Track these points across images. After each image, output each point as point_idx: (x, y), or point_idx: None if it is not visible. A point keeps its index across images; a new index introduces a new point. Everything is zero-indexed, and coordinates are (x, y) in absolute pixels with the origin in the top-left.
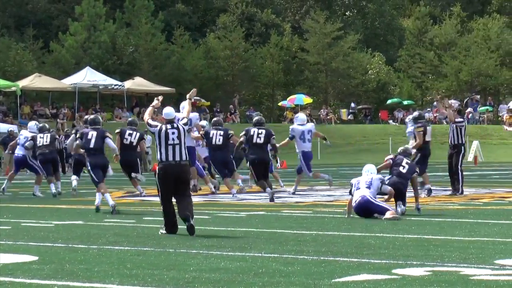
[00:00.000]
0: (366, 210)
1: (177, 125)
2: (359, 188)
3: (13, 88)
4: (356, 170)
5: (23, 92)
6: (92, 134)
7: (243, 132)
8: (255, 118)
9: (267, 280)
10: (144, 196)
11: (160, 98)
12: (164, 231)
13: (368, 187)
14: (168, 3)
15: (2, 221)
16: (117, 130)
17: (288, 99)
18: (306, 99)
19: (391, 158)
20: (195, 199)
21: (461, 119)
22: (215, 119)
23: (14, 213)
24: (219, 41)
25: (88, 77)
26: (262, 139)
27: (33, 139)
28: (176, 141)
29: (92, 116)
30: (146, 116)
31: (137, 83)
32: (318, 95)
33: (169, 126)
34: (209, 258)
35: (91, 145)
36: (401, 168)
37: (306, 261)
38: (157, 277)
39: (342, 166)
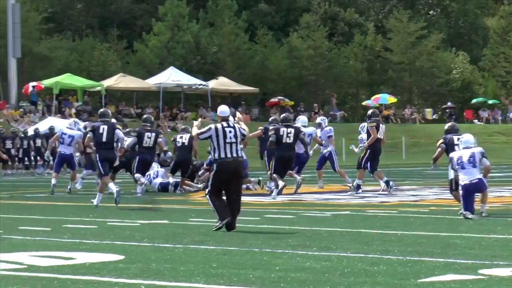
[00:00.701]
0: (479, 190)
1: (233, 124)
2: (464, 168)
3: (98, 88)
4: (442, 170)
5: (107, 92)
6: (104, 128)
7: (272, 132)
8: (282, 115)
9: (352, 280)
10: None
11: (199, 120)
12: (219, 225)
13: (474, 165)
14: (251, 3)
15: (87, 220)
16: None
17: (372, 98)
18: (390, 99)
19: (442, 143)
20: (280, 199)
21: None
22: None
23: (99, 212)
24: (303, 41)
25: (172, 77)
26: (292, 138)
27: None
28: (233, 140)
29: (101, 110)
30: (195, 131)
31: (221, 83)
32: (402, 95)
33: (225, 124)
34: (295, 258)
35: (104, 139)
36: (460, 144)
37: (391, 261)
38: (243, 277)
39: (427, 166)
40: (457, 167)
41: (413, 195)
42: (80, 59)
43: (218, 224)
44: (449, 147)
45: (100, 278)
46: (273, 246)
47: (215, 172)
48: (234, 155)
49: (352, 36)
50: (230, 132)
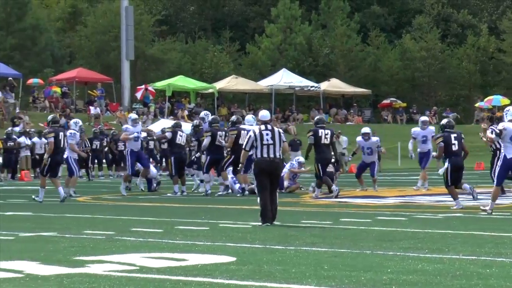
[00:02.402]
0: None
1: (272, 127)
2: None
3: (210, 90)
4: None
5: (220, 94)
6: (181, 135)
7: (311, 133)
8: (316, 117)
9: (465, 283)
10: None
11: None
12: (260, 223)
13: None
14: (363, 5)
15: (200, 222)
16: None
17: (485, 100)
18: (503, 100)
19: (441, 141)
20: (391, 201)
21: None
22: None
23: (211, 214)
24: (415, 42)
25: (284, 78)
26: (329, 139)
27: (174, 134)
28: (270, 142)
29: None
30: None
31: (333, 85)
32: None
33: (263, 127)
34: (406, 260)
35: (183, 143)
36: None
37: (504, 264)
38: (354, 279)
39: None
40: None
41: None
42: (193, 61)
43: (259, 222)
44: (447, 144)
45: (212, 279)
46: (384, 248)
47: (254, 171)
48: (271, 155)
49: (465, 38)
50: (267, 134)
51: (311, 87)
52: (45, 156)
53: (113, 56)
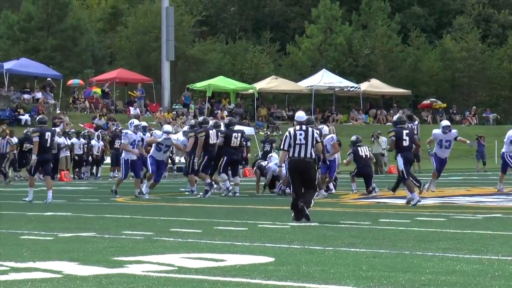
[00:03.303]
0: None
1: (306, 127)
2: None
3: (250, 91)
4: None
5: (260, 94)
6: (213, 133)
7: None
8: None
9: (503, 283)
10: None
11: None
12: (293, 216)
13: None
14: (404, 5)
15: (238, 223)
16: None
17: None
18: None
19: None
20: (430, 202)
21: None
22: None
23: (250, 214)
24: (456, 43)
25: (324, 79)
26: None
27: (227, 137)
28: (303, 141)
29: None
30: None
31: (373, 85)
32: None
33: (297, 128)
34: (445, 261)
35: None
36: None
37: None
38: (393, 279)
39: None
40: None
41: None
42: (233, 62)
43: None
44: (398, 139)
45: (250, 280)
46: (423, 249)
47: (286, 169)
48: (302, 155)
49: (505, 38)
50: (300, 135)
51: (351, 87)
52: (33, 156)
53: (153, 57)
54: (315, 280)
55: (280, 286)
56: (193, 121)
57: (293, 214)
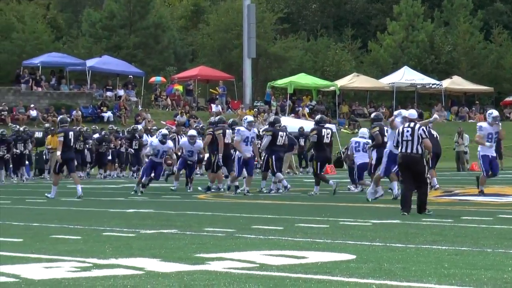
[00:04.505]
0: None
1: (414, 125)
2: None
3: (332, 88)
4: None
5: (341, 91)
6: (229, 132)
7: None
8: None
9: None
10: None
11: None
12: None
13: None
14: (487, 2)
15: (320, 220)
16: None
17: None
18: None
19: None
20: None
21: None
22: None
23: (332, 211)
24: None
25: (406, 76)
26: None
27: (274, 135)
28: (409, 138)
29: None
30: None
31: (455, 82)
32: None
33: (406, 124)
34: None
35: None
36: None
37: None
38: (475, 277)
39: None
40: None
41: None
42: (314, 59)
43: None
44: (319, 136)
45: (331, 277)
46: (506, 247)
47: (397, 164)
48: (408, 151)
49: None
50: (407, 131)
51: (433, 84)
52: (57, 154)
53: (235, 54)
54: (397, 278)
55: (362, 283)
56: (212, 119)
57: (401, 207)
